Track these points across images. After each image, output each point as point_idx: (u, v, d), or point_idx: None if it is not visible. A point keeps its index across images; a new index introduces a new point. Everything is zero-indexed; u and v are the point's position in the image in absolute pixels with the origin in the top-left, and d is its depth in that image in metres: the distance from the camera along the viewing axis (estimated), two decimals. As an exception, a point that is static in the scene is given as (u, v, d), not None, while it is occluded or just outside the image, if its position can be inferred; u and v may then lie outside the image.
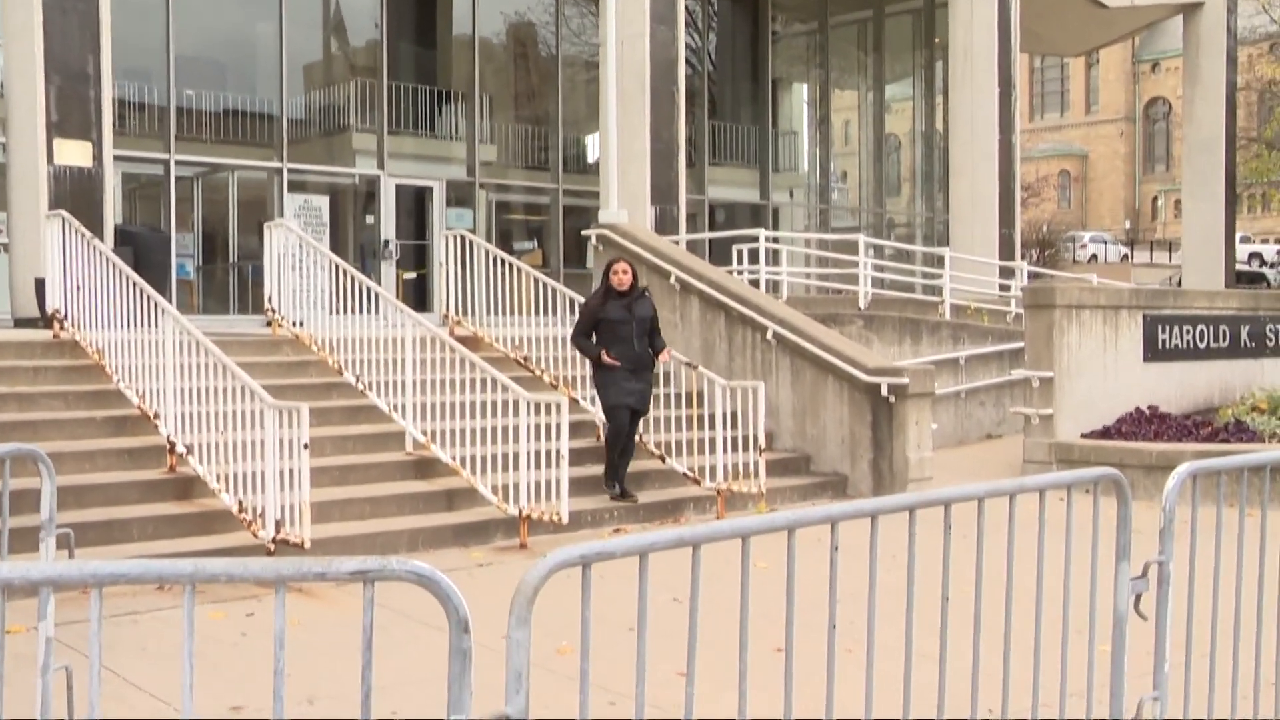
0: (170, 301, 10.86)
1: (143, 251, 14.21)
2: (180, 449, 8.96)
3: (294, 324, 12.01)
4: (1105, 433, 13.07)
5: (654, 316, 10.35)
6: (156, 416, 9.26)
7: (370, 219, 18.55)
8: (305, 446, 7.94)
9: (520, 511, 9.20)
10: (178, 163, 16.46)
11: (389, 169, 18.42)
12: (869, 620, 3.23)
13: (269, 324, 12.42)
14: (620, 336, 10.11)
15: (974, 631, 3.48)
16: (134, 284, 9.90)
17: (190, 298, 16.76)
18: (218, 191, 17.41)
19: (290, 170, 17.35)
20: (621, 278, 10.22)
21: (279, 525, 8.03)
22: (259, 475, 8.14)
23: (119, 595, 7.04)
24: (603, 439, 11.53)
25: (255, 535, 8.14)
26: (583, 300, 12.73)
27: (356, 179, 18.65)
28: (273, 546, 7.96)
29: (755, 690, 3.13)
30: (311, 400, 9.30)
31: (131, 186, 16.89)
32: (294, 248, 12.32)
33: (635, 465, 11.15)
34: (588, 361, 10.72)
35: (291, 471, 8.00)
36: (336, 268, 11.76)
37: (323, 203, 17.80)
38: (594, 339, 10.26)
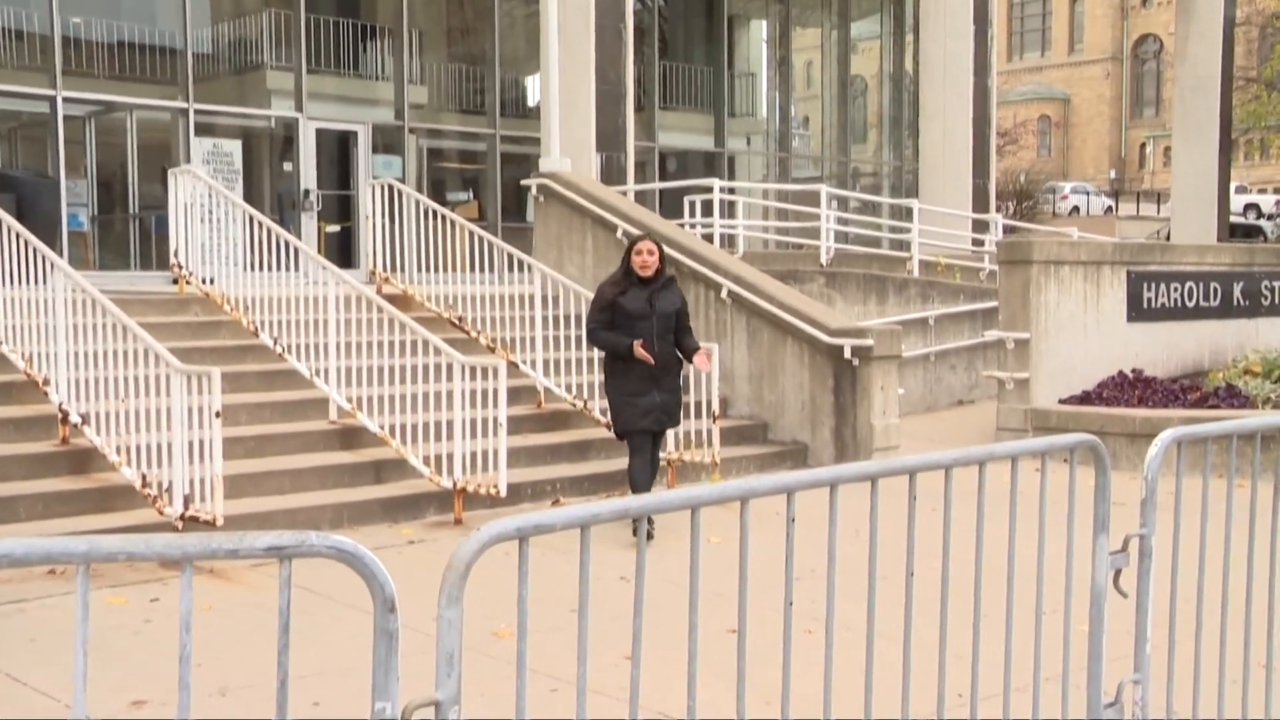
0: (61, 255, 10.70)
1: (27, 199, 13.98)
2: (74, 419, 8.85)
3: (203, 281, 11.89)
4: (1085, 398, 13.24)
5: (682, 311, 9.01)
6: (46, 383, 9.14)
7: (288, 166, 18.35)
8: (217, 415, 7.88)
9: (454, 484, 9.20)
10: (66, 100, 16.09)
11: (308, 111, 18.21)
12: (828, 598, 3.26)
13: (175, 281, 12.28)
14: (637, 334, 8.71)
15: (941, 610, 3.52)
16: (17, 235, 9.73)
17: (84, 251, 16.51)
18: (114, 134, 17.11)
19: (197, 111, 17.09)
20: (647, 259, 8.80)
21: (188, 501, 7.97)
22: (165, 447, 8.07)
23: (3, 581, 6.97)
24: (543, 405, 11.56)
25: (161, 513, 8.08)
26: (522, 256, 12.73)
27: (272, 122, 18.42)
28: (181, 524, 7.90)
29: (706, 674, 3.15)
30: (224, 364, 9.22)
31: (11, 125, 16.58)
32: (203, 197, 12.18)
33: (577, 434, 11.18)
34: (591, 361, 9.88)
35: (202, 442, 7.94)
36: (251, 219, 11.64)
37: (234, 148, 17.57)
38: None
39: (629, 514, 2.83)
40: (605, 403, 10.96)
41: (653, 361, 8.63)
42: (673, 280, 9.11)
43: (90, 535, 2.23)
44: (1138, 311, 14.13)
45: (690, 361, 9.10)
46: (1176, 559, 4.18)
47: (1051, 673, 3.92)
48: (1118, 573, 3.90)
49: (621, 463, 10.27)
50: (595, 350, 9.21)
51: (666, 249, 12.85)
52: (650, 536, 8.12)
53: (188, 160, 16.39)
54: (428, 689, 2.46)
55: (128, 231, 17.18)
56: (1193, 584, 4.24)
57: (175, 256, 12.18)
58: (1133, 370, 13.80)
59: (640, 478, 8.86)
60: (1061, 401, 13.22)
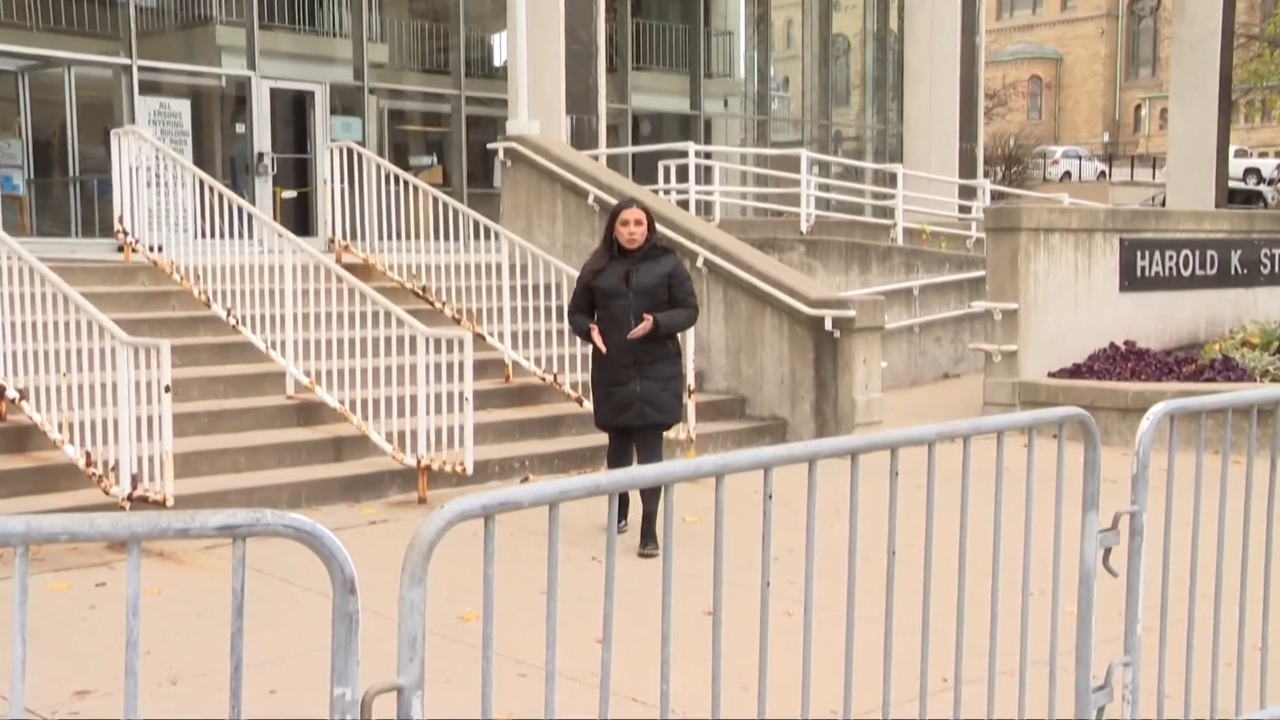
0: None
1: (-46, 160, 13.81)
2: (12, 394, 8.78)
3: (151, 249, 11.81)
4: (1076, 371, 13.31)
5: (674, 282, 8.06)
6: (-20, 357, 9.07)
7: (240, 128, 18.22)
8: (167, 389, 7.85)
9: (418, 461, 9.20)
10: (-5, 53, 15.90)
11: (262, 69, 18.07)
12: (807, 578, 3.28)
13: (120, 249, 12.21)
14: (612, 315, 7.99)
15: (924, 591, 3.55)
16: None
17: (20, 217, 16.33)
18: (51, 91, 16.90)
19: (141, 68, 16.92)
20: (633, 230, 7.98)
21: (135, 480, 7.95)
22: (111, 423, 8.04)
23: (-62, 566, 6.94)
24: (511, 379, 11.56)
25: (107, 493, 8.05)
26: (488, 223, 12.69)
27: (223, 81, 18.27)
28: (128, 504, 7.87)
29: (680, 658, 3.17)
30: (174, 336, 9.17)
31: (-65, 81, 16.36)
32: (149, 160, 12.09)
33: (547, 409, 11.18)
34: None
35: (150, 419, 7.91)
36: (201, 184, 11.57)
37: (183, 108, 17.42)
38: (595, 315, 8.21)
39: (599, 491, 2.84)
40: (577, 376, 11.02)
41: (604, 350, 7.96)
42: (661, 250, 8.17)
43: (29, 515, 2.22)
44: (1131, 281, 14.20)
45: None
46: (1169, 537, 4.22)
47: (1039, 655, 3.95)
48: (1107, 551, 3.94)
49: (591, 438, 10.30)
50: (566, 322, 8.91)
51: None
52: (622, 531, 7.97)
53: (132, 120, 16.22)
54: (390, 674, 2.46)
55: (68, 196, 17.02)
56: (1185, 563, 4.28)
57: (120, 223, 12.10)
58: (1125, 342, 13.88)
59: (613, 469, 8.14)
60: (1051, 374, 13.28)
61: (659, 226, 10.32)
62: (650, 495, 7.85)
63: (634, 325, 7.89)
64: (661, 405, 8.02)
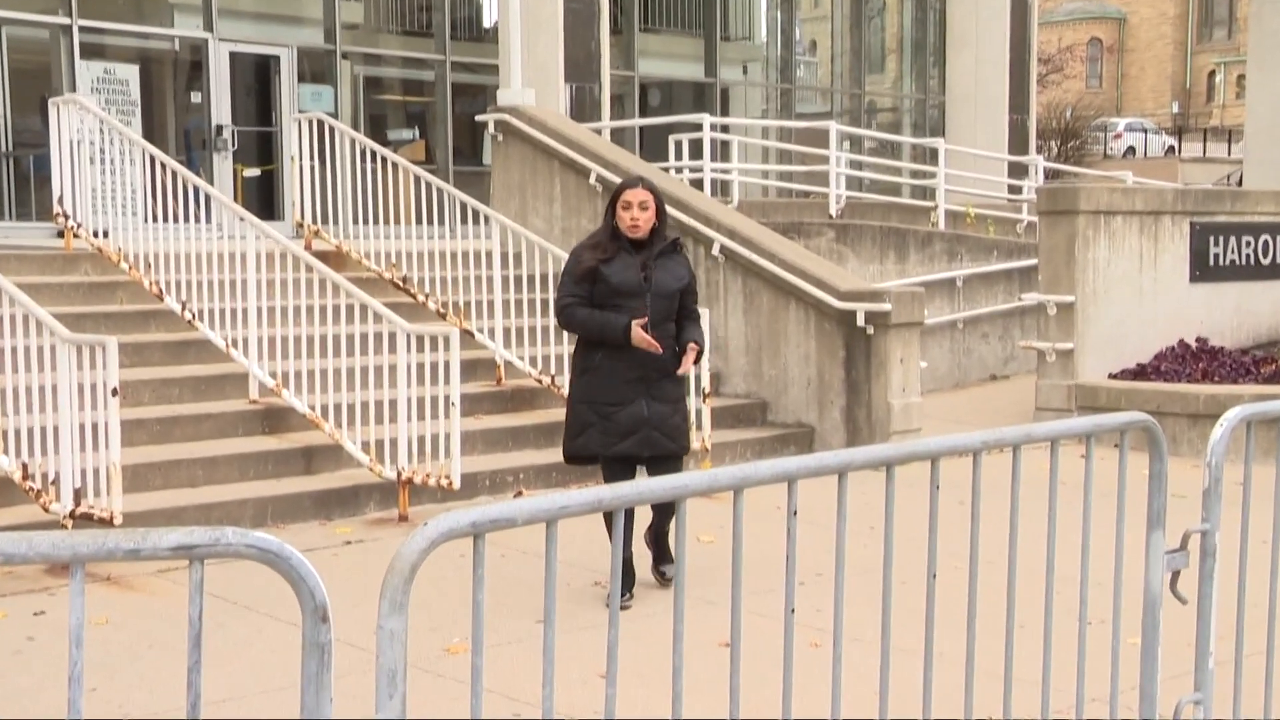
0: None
1: None
2: (-58, 399, 8.82)
3: (95, 234, 11.83)
4: (1140, 372, 13.31)
5: (688, 289, 7.46)
6: (-96, 355, 9.09)
7: (196, 97, 18.24)
8: (114, 392, 7.86)
9: (399, 474, 9.21)
10: (-88, 12, 15.91)
11: (220, 31, 18.10)
12: (836, 604, 3.29)
13: (60, 234, 12.23)
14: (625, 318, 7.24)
15: (968, 618, 3.56)
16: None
17: (-55, 198, 16.38)
18: (-22, 54, 16.95)
19: (83, 29, 16.93)
20: (635, 215, 7.26)
21: (79, 495, 7.96)
22: (50, 431, 8.05)
23: None
24: (503, 381, 11.56)
25: (47, 510, 8.06)
26: (477, 206, 12.68)
27: (176, 43, 18.30)
28: (70, 522, 7.88)
29: (694, 694, 3.17)
30: (122, 333, 9.18)
31: None
32: (92, 133, 12.11)
33: (543, 415, 11.17)
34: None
35: (95, 426, 7.91)
36: (153, 161, 11.58)
37: (130, 74, 17.44)
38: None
39: (602, 507, 2.85)
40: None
41: (659, 349, 7.10)
42: (677, 245, 7.57)
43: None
44: (1203, 270, 14.18)
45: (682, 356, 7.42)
46: (1245, 559, 4.22)
47: (1098, 692, 3.96)
48: (1175, 575, 3.94)
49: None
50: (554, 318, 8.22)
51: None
52: (626, 608, 7.01)
53: (73, 88, 16.23)
54: (367, 711, 2.48)
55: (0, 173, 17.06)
56: (1264, 588, 4.28)
57: (60, 204, 12.11)
58: (1196, 339, 13.88)
59: (614, 515, 7.07)
60: (1112, 376, 13.28)
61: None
62: (662, 511, 7.37)
63: (647, 332, 7.10)
64: (671, 431, 7.36)
